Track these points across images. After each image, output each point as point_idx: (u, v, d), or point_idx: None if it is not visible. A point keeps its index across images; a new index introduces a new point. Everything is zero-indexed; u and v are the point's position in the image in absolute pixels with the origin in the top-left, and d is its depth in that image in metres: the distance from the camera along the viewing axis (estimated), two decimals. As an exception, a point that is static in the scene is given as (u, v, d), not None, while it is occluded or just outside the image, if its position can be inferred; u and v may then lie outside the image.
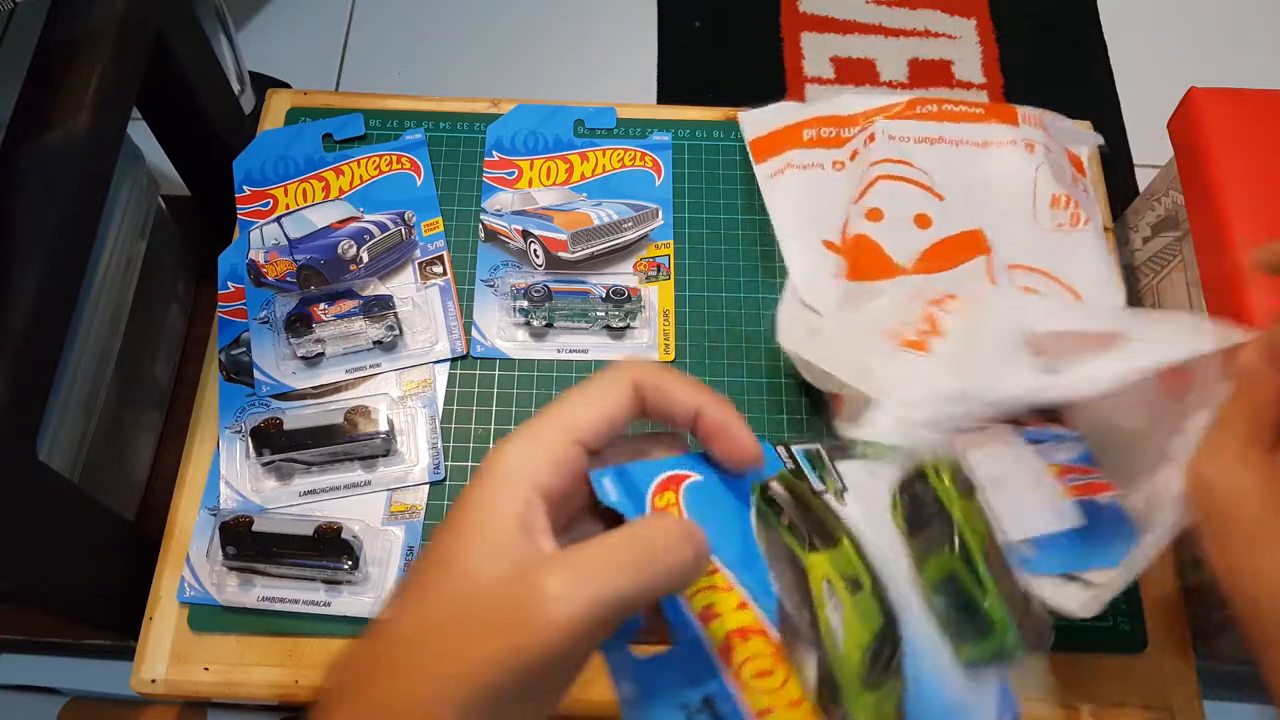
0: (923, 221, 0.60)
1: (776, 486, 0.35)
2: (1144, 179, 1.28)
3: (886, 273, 0.58)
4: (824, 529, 0.34)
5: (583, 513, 0.33)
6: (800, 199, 0.65)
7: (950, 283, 0.57)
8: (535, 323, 0.62)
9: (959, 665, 0.34)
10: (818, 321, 0.60)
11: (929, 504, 0.36)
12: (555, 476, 0.30)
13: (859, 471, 0.37)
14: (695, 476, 0.34)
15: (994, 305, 0.46)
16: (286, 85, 1.13)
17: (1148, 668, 0.54)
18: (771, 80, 1.36)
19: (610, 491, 0.31)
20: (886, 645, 0.33)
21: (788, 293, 0.62)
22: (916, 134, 0.64)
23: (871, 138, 0.64)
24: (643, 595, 0.28)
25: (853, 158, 0.65)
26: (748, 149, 0.67)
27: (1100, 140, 0.68)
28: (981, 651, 0.34)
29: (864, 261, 0.59)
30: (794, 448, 0.37)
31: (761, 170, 0.66)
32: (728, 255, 0.66)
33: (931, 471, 0.36)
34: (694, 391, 0.32)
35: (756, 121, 0.69)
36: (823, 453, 0.37)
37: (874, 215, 0.60)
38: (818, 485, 0.36)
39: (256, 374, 0.60)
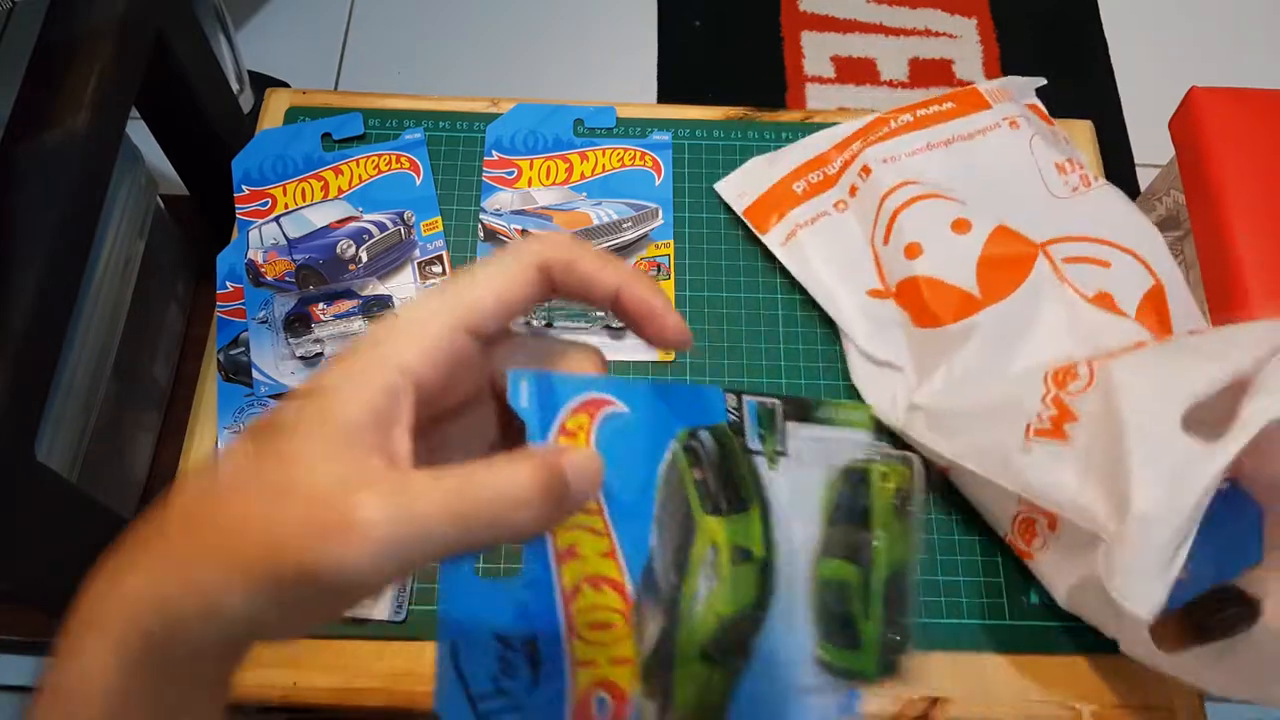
0: (960, 226, 0.59)
1: (705, 435, 0.33)
2: (1145, 178, 1.28)
3: (959, 310, 0.56)
4: (737, 491, 0.33)
5: (475, 402, 0.30)
6: (823, 255, 0.63)
7: (1027, 301, 0.55)
8: (535, 322, 0.62)
9: (816, 662, 0.34)
10: (901, 385, 0.58)
11: (859, 502, 0.35)
12: (431, 365, 0.27)
13: (808, 439, 0.35)
14: (620, 407, 0.31)
15: (1121, 382, 0.45)
16: (285, 84, 1.13)
17: (1148, 668, 0.54)
18: (772, 80, 1.36)
19: (523, 397, 0.29)
20: (748, 622, 0.32)
21: (851, 352, 0.61)
22: (906, 149, 0.64)
23: (866, 170, 0.63)
24: (469, 546, 0.26)
25: (852, 193, 0.64)
26: (743, 220, 0.66)
27: (1042, 81, 0.68)
28: (840, 660, 0.34)
29: (933, 302, 0.57)
30: (746, 398, 0.35)
31: (770, 240, 0.64)
32: (728, 255, 0.66)
33: (878, 473, 0.35)
34: (613, 270, 0.29)
35: (738, 190, 0.67)
36: (778, 411, 0.35)
37: (913, 251, 0.59)
38: (754, 444, 0.34)
39: (255, 374, 0.60)
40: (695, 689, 0.31)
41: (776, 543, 0.34)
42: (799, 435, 0.35)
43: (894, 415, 0.56)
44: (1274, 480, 0.45)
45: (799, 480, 0.34)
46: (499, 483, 0.25)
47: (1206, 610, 0.45)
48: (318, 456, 0.25)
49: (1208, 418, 0.42)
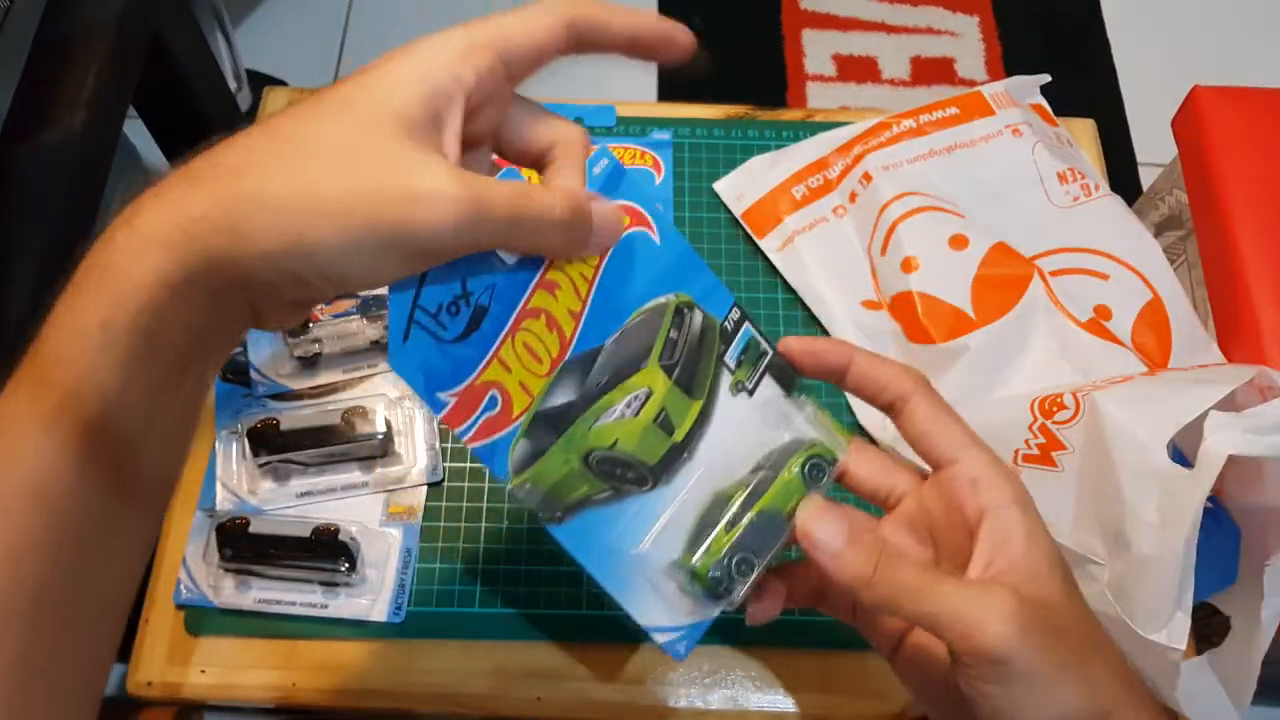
0: (958, 243, 0.59)
1: (698, 315, 0.37)
2: (1147, 178, 1.27)
3: (951, 329, 0.56)
4: (693, 379, 0.37)
5: (478, 146, 0.33)
6: (820, 262, 0.63)
7: (1019, 325, 0.56)
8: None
9: (672, 563, 0.37)
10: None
11: (783, 461, 0.38)
12: (476, 80, 0.30)
13: (782, 403, 0.38)
14: (654, 236, 0.36)
15: (1108, 415, 0.46)
16: (284, 83, 1.13)
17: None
18: (772, 78, 1.35)
19: (596, 169, 0.34)
20: (634, 476, 0.36)
21: None
22: (908, 155, 0.63)
23: (867, 177, 0.63)
24: (506, 243, 0.31)
25: (852, 200, 0.64)
26: (740, 223, 0.65)
27: (1046, 79, 0.68)
28: (683, 559, 0.37)
29: (927, 319, 0.57)
30: (747, 326, 0.38)
31: (766, 245, 0.64)
32: (728, 255, 0.66)
33: (808, 448, 0.38)
34: (628, 18, 0.33)
35: (737, 191, 0.66)
36: (766, 358, 0.38)
37: (909, 265, 0.58)
38: (730, 360, 0.38)
39: (253, 374, 0.60)
40: (558, 473, 0.35)
41: (697, 446, 0.37)
42: (776, 395, 0.38)
43: (883, 433, 0.56)
44: (1249, 506, 0.46)
45: (751, 423, 0.38)
46: (546, 200, 0.30)
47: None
48: (390, 136, 0.28)
49: (1196, 439, 0.43)
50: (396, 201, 0.27)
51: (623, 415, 0.36)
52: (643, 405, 0.36)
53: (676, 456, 0.37)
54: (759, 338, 0.38)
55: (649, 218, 0.35)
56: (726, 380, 0.37)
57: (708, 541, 0.37)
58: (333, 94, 0.29)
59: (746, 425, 0.38)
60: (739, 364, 0.38)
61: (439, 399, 0.32)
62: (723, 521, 0.37)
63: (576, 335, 0.34)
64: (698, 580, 0.36)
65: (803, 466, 0.37)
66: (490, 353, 0.33)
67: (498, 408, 0.33)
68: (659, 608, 0.37)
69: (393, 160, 0.27)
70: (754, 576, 0.36)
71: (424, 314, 0.31)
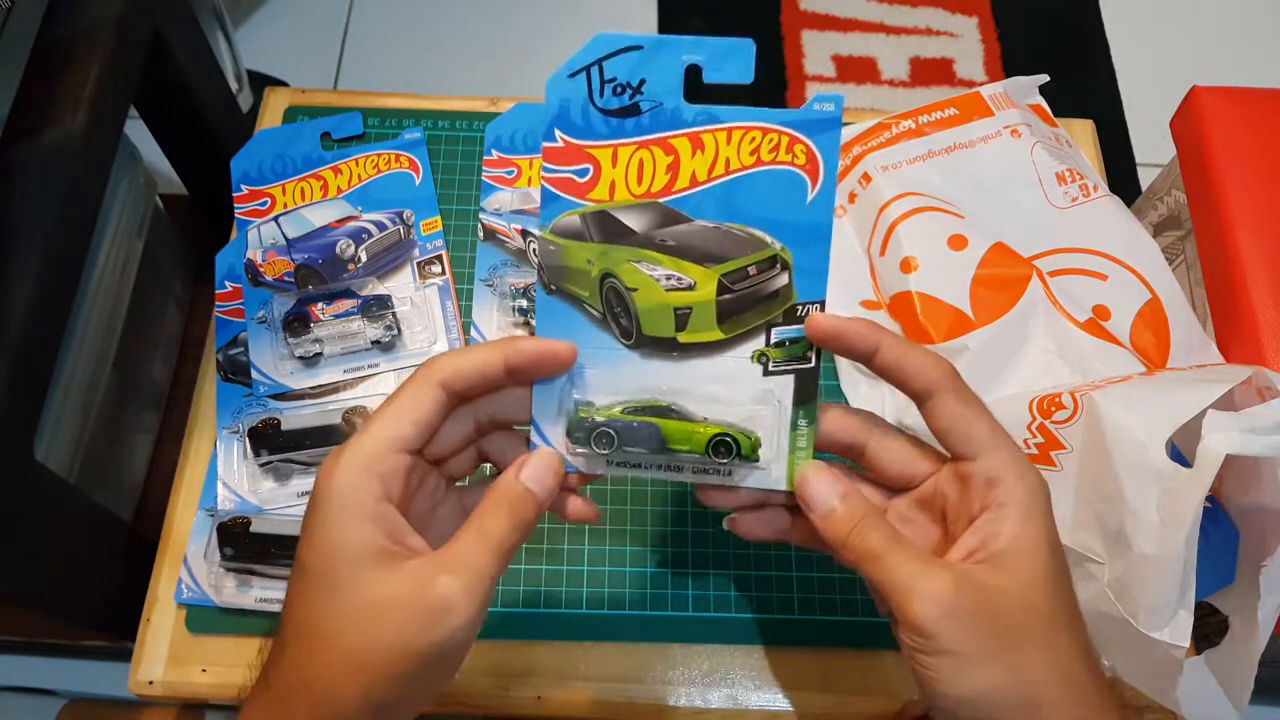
0: (957, 243, 0.59)
1: (784, 278, 0.38)
2: (1146, 178, 1.27)
3: (950, 329, 0.56)
4: (733, 317, 0.38)
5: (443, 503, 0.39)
6: None
7: (1018, 326, 0.56)
8: (534, 322, 0.62)
9: (584, 399, 0.39)
10: (890, 397, 0.58)
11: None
12: (392, 484, 0.35)
13: (785, 396, 0.39)
14: (811, 190, 0.37)
15: (1107, 414, 0.46)
16: (284, 83, 1.13)
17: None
18: (772, 79, 1.36)
19: (822, 104, 0.37)
20: (626, 325, 0.38)
21: (842, 363, 0.61)
22: (907, 156, 0.63)
23: (866, 177, 0.63)
24: (515, 547, 0.35)
25: (851, 200, 0.64)
26: None
27: (1045, 79, 0.68)
28: (583, 406, 0.39)
29: (926, 319, 0.57)
30: (774, 348, 0.39)
31: None
32: (728, 255, 0.66)
33: (741, 433, 0.39)
34: (495, 348, 0.37)
35: None
36: (804, 363, 0.38)
37: (908, 266, 0.58)
38: (774, 338, 0.38)
39: (254, 374, 0.60)
40: (576, 263, 0.38)
41: (687, 359, 0.38)
42: (787, 397, 0.39)
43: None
44: (1246, 506, 0.46)
45: (742, 392, 0.39)
46: (504, 509, 0.36)
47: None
48: (367, 577, 0.33)
49: (1194, 438, 0.43)
50: (416, 637, 0.33)
51: (658, 279, 0.38)
52: (678, 289, 0.38)
53: (665, 347, 0.38)
54: (798, 362, 0.39)
55: (821, 175, 0.37)
56: (756, 345, 0.38)
57: (609, 403, 0.38)
58: (304, 556, 0.34)
59: (738, 388, 0.38)
60: (779, 345, 0.38)
61: (555, 134, 0.37)
62: (632, 403, 0.38)
63: (681, 193, 0.37)
64: (570, 420, 0.38)
65: (713, 438, 0.38)
66: (616, 142, 0.37)
67: (585, 179, 0.37)
68: (551, 420, 0.39)
69: (393, 598, 0.33)
70: (597, 453, 0.38)
71: (600, 73, 0.37)
